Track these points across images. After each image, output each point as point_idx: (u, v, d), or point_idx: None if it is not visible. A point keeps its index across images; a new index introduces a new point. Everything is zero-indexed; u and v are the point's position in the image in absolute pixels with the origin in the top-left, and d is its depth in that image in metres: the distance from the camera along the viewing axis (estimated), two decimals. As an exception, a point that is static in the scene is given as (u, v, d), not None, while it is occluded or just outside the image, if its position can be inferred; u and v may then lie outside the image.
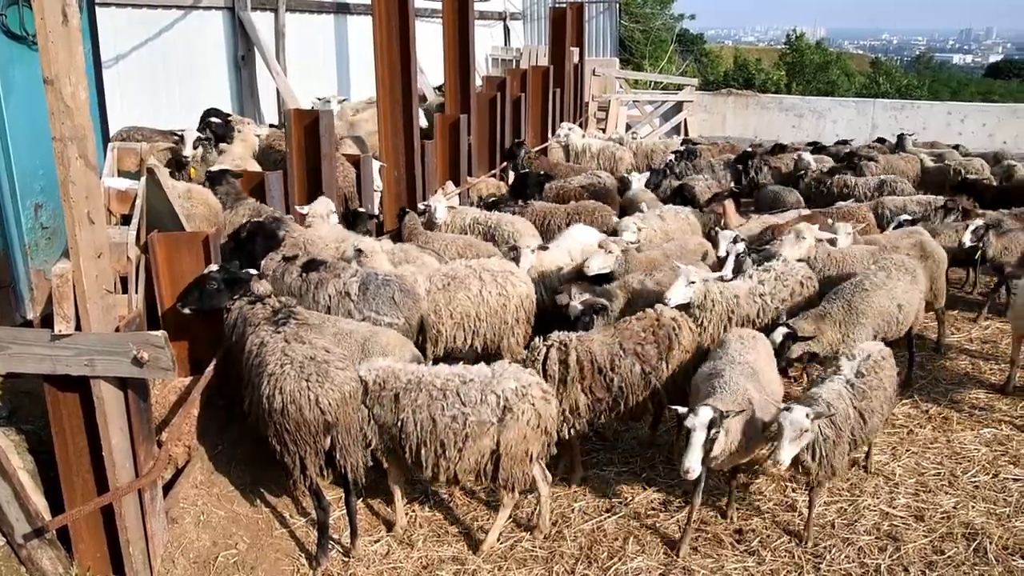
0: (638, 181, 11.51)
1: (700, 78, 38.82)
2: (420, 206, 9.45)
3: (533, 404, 5.11)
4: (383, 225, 10.46)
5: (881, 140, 17.23)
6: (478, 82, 16.70)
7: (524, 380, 5.19)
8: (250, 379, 5.38)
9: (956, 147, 15.91)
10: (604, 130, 19.55)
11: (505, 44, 25.58)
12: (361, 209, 9.20)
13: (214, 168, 8.25)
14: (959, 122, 19.97)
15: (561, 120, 16.55)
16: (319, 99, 12.74)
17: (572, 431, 6.02)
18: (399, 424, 5.18)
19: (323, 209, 8.05)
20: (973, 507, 6.09)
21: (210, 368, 5.78)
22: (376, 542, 5.74)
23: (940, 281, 8.52)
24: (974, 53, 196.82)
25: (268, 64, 14.08)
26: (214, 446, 6.04)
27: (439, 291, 6.76)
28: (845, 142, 16.61)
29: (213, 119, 10.10)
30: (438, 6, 12.72)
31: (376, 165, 9.96)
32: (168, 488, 5.49)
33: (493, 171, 13.43)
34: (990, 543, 5.66)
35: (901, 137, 15.05)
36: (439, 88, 16.07)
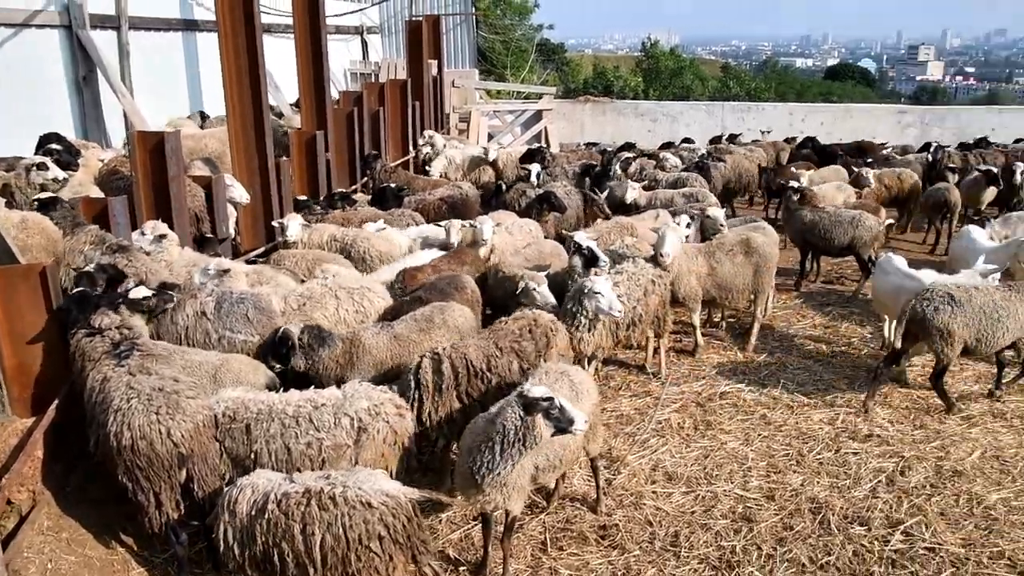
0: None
1: (562, 86, 39.67)
2: (274, 223, 9.29)
3: (388, 421, 5.11)
4: (239, 246, 10.25)
5: (732, 138, 18.46)
6: (336, 97, 16.57)
7: (377, 399, 5.18)
8: (94, 417, 5.14)
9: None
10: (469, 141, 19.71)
11: (363, 58, 25.42)
12: (208, 235, 8.99)
13: (42, 196, 7.82)
14: (800, 121, 21.24)
15: (422, 132, 16.56)
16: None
17: (443, 440, 6.07)
18: (252, 456, 5.07)
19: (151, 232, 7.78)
20: (818, 482, 6.49)
21: (52, 407, 5.52)
22: (240, 573, 5.58)
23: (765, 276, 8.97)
24: (814, 57, 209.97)
25: (112, 84, 13.49)
26: (61, 488, 5.74)
27: (295, 311, 6.66)
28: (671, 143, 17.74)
29: (54, 145, 9.57)
30: (291, 21, 12.51)
31: (232, 180, 9.76)
32: (10, 538, 5.18)
33: (355, 186, 13.32)
34: (832, 515, 6.05)
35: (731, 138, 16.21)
36: (296, 104, 15.83)
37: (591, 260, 7.70)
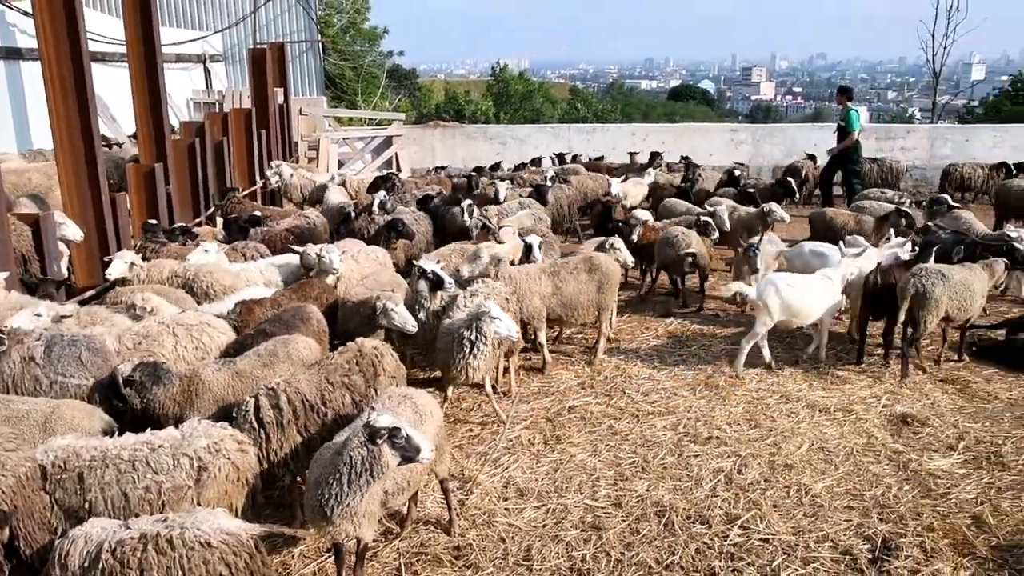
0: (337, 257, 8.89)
1: (414, 112, 39.88)
2: (105, 260, 8.95)
3: (229, 458, 5.01)
4: (74, 286, 9.78)
5: (574, 158, 19.43)
6: (177, 127, 16.07)
7: (216, 436, 5.06)
8: (-102, 478, 4.78)
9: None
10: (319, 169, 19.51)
11: (207, 87, 24.76)
12: (44, 277, 8.58)
13: None
14: (642, 141, 22.16)
15: (270, 161, 16.28)
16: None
17: (288, 476, 5.98)
18: (87, 506, 4.84)
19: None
20: (662, 486, 6.78)
21: None
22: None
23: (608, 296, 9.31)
24: (657, 79, 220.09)
25: (-76, 118, 12.62)
26: None
27: (130, 351, 6.42)
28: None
29: None
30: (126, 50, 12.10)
31: (63, 218, 9.32)
32: None
33: (199, 219, 12.96)
34: (676, 516, 6.34)
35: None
36: (134, 136, 15.27)
37: (436, 284, 7.82)
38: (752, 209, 12.52)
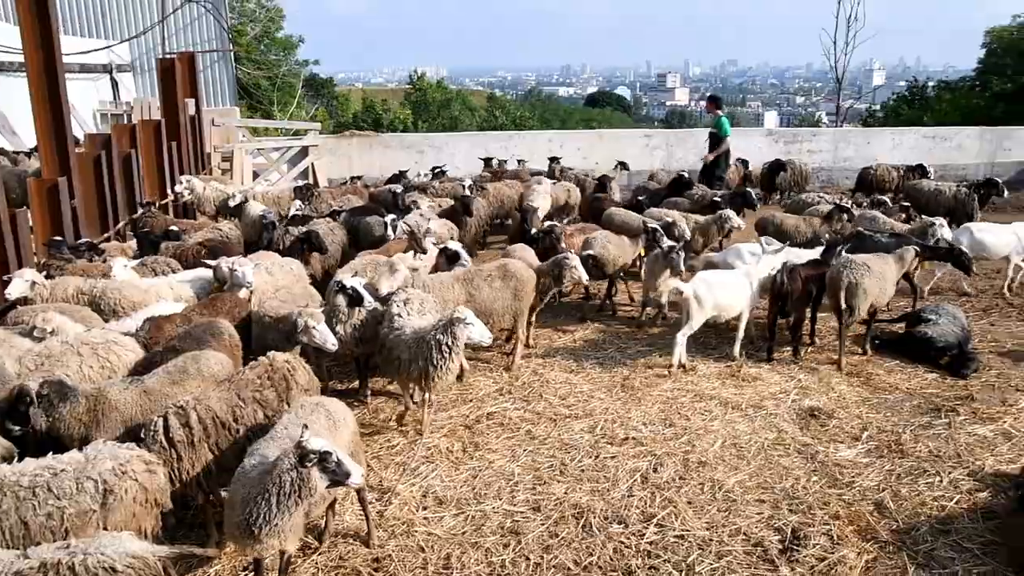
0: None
1: (332, 121, 39.53)
2: (4, 279, 8.63)
3: (137, 479, 4.89)
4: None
5: (501, 164, 19.81)
6: (82, 139, 15.58)
7: (122, 457, 4.93)
8: None
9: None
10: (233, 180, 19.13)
11: (114, 99, 24.05)
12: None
13: None
14: (559, 148, 22.29)
15: (180, 174, 15.91)
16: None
17: (201, 495, 5.87)
18: None
19: None
20: (580, 489, 6.89)
21: None
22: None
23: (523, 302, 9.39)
24: (575, 86, 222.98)
25: None
26: None
27: (32, 373, 6.20)
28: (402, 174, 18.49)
29: None
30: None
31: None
32: None
33: (107, 233, 12.58)
34: (594, 517, 6.46)
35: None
36: (35, 150, 14.74)
37: (355, 300, 7.78)
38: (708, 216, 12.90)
